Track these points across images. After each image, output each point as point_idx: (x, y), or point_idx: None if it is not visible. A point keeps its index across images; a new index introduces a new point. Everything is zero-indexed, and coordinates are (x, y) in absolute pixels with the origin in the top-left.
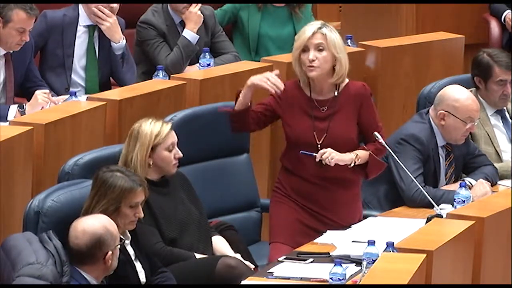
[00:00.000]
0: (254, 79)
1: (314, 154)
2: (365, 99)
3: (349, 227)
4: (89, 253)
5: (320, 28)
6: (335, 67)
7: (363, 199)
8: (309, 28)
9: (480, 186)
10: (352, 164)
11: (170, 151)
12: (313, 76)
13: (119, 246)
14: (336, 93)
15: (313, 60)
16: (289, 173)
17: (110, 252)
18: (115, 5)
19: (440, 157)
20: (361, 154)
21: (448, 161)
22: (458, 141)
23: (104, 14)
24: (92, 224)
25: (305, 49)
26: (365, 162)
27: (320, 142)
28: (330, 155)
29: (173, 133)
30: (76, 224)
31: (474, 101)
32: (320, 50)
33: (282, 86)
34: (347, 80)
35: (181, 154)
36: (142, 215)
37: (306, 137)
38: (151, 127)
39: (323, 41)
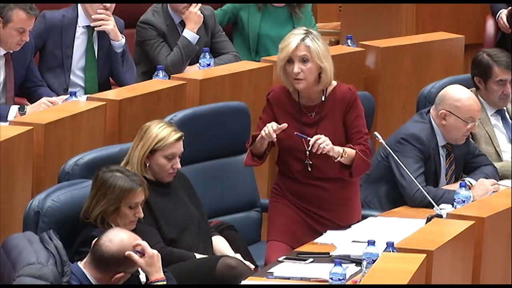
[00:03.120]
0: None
1: (309, 138)
2: (351, 102)
3: (348, 227)
4: (106, 262)
5: (303, 39)
6: (321, 75)
7: (364, 199)
8: (293, 40)
9: (480, 185)
10: (338, 158)
11: (168, 159)
12: (300, 88)
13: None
14: (323, 98)
15: (299, 73)
16: (284, 176)
17: (121, 274)
18: (109, 5)
19: (441, 157)
20: (348, 151)
21: (449, 161)
22: (459, 141)
23: (103, 15)
24: (131, 242)
25: (289, 60)
26: (350, 163)
27: (309, 148)
28: (325, 142)
29: (178, 144)
30: (119, 231)
31: (475, 101)
32: (305, 61)
33: (273, 136)
34: (334, 83)
35: (179, 166)
36: (142, 215)
37: (295, 143)
38: (158, 131)
39: (307, 53)
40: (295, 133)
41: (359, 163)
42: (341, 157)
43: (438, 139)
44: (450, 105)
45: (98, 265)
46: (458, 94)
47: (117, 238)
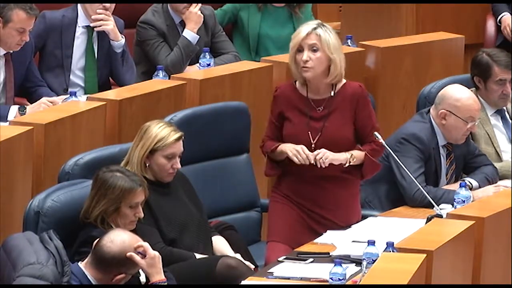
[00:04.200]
0: (288, 151)
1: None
2: (361, 99)
3: (348, 227)
4: (107, 262)
5: (315, 28)
6: (330, 67)
7: (364, 199)
8: (304, 29)
9: (484, 191)
10: (347, 164)
11: (168, 159)
12: (308, 77)
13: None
14: (332, 93)
15: (307, 61)
16: (286, 174)
17: (122, 275)
18: (108, 5)
19: (441, 157)
20: (357, 154)
21: (449, 161)
22: (459, 141)
23: (103, 15)
24: (133, 243)
25: (299, 49)
26: (360, 163)
27: (315, 141)
28: (324, 155)
29: (178, 144)
30: (121, 232)
31: (475, 101)
32: (314, 51)
33: (311, 159)
34: (344, 81)
35: (179, 166)
36: (142, 215)
37: (301, 136)
38: (158, 131)
39: (317, 42)
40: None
41: (369, 165)
42: (350, 163)
43: (438, 139)
44: (450, 105)
45: (99, 266)
46: (457, 94)
47: (119, 239)
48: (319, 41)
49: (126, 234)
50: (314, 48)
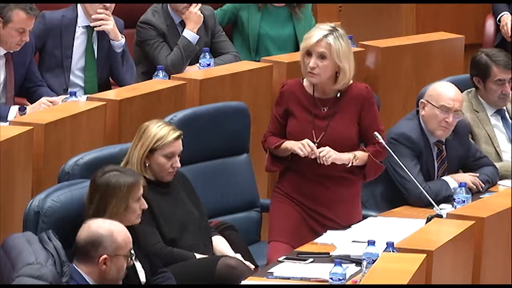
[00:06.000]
0: (293, 145)
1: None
2: (367, 101)
3: (349, 227)
4: (84, 249)
5: (326, 36)
6: (338, 74)
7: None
8: (316, 34)
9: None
10: (350, 164)
11: (168, 158)
12: (313, 82)
13: (128, 260)
14: (338, 94)
15: (314, 68)
16: (289, 172)
17: (105, 256)
18: (108, 5)
19: (432, 154)
20: (360, 155)
21: (440, 159)
22: (436, 132)
23: (103, 15)
24: (99, 225)
25: (308, 53)
26: (363, 164)
27: (318, 140)
28: (328, 154)
29: (177, 143)
30: (90, 221)
31: (452, 90)
32: (322, 58)
33: (316, 152)
34: (350, 81)
35: (179, 165)
36: (146, 206)
37: (304, 133)
38: (157, 130)
39: (326, 50)
40: None
41: (372, 166)
42: (352, 164)
43: (428, 137)
44: (427, 95)
45: (81, 257)
46: (437, 86)
47: (84, 226)
48: (329, 50)
49: (94, 221)
50: (323, 55)
